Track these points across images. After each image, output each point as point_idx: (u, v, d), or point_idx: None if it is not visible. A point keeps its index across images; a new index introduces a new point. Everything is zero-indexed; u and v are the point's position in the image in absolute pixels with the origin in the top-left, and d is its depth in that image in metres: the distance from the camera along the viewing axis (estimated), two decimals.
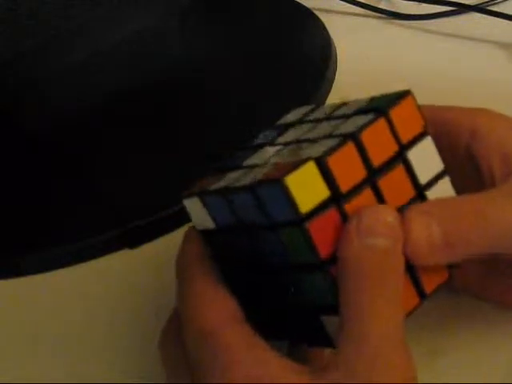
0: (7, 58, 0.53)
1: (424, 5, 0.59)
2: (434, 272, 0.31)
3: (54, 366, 0.37)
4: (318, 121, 0.32)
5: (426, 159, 0.31)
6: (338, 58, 0.53)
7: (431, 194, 0.31)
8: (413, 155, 0.30)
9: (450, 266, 0.31)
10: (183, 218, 0.32)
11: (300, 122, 0.33)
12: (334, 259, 0.29)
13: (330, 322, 0.30)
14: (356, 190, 0.29)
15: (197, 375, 0.29)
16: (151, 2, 0.60)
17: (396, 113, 0.30)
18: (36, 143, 0.49)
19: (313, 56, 0.53)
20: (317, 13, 0.57)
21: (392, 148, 0.30)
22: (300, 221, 0.28)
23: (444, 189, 0.31)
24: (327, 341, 0.30)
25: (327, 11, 0.60)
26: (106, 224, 0.42)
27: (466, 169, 0.33)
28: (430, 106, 0.34)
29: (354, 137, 0.29)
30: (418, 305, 0.30)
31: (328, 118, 0.32)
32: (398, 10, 0.60)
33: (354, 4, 0.60)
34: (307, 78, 0.51)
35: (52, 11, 0.59)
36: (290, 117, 0.34)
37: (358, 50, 0.55)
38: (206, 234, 0.32)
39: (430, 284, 0.31)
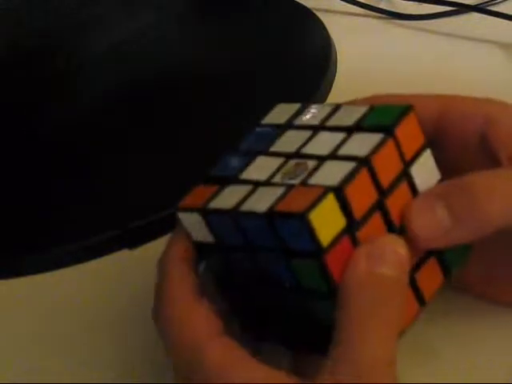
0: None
1: (424, 5, 0.59)
2: (431, 278, 0.31)
3: (54, 366, 0.37)
4: (314, 129, 0.31)
5: (425, 171, 0.31)
6: (338, 58, 0.53)
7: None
8: (414, 170, 0.30)
9: (446, 272, 0.31)
10: None
11: (291, 126, 0.32)
12: None
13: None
14: (368, 215, 0.29)
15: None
16: (151, 2, 0.60)
17: (401, 130, 0.30)
18: (36, 143, 0.49)
19: (313, 56, 0.53)
20: (317, 13, 0.57)
21: (398, 167, 0.30)
22: (319, 253, 0.28)
23: None
24: (321, 347, 0.30)
25: (327, 11, 0.60)
26: (106, 224, 0.42)
27: (479, 157, 0.33)
28: (442, 96, 0.34)
29: (367, 163, 0.29)
30: (419, 313, 0.31)
31: (324, 126, 0.31)
32: (398, 10, 0.60)
33: (354, 4, 0.60)
34: (307, 78, 0.51)
35: (53, 12, 0.59)
36: (276, 116, 0.33)
37: (358, 50, 0.55)
38: (201, 245, 0.31)
39: (428, 291, 0.31)
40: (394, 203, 0.30)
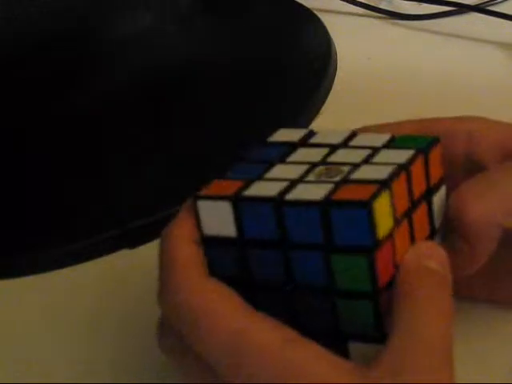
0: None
1: (424, 5, 0.59)
2: None
3: (54, 366, 0.37)
4: (334, 147, 0.31)
5: (440, 205, 0.31)
6: (338, 57, 0.53)
7: (437, 238, 0.31)
8: (435, 199, 0.31)
9: None
10: None
11: (305, 144, 0.31)
12: (384, 289, 0.28)
13: (354, 348, 0.29)
14: (400, 220, 0.28)
15: (230, 375, 0.27)
16: (151, 2, 0.60)
17: (431, 155, 0.30)
18: (35, 144, 0.49)
19: (313, 56, 0.53)
20: (317, 13, 0.57)
21: (422, 187, 0.30)
22: (371, 248, 0.27)
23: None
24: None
25: (327, 11, 0.60)
26: (106, 224, 0.42)
27: (466, 176, 0.32)
28: (420, 120, 0.34)
29: (405, 168, 0.28)
30: None
31: (345, 145, 0.31)
32: (398, 10, 0.60)
33: (355, 4, 0.60)
34: (307, 78, 0.51)
35: (52, 12, 0.59)
36: (282, 137, 0.32)
37: (358, 50, 0.55)
38: (212, 241, 0.29)
39: None
40: (416, 220, 0.29)
